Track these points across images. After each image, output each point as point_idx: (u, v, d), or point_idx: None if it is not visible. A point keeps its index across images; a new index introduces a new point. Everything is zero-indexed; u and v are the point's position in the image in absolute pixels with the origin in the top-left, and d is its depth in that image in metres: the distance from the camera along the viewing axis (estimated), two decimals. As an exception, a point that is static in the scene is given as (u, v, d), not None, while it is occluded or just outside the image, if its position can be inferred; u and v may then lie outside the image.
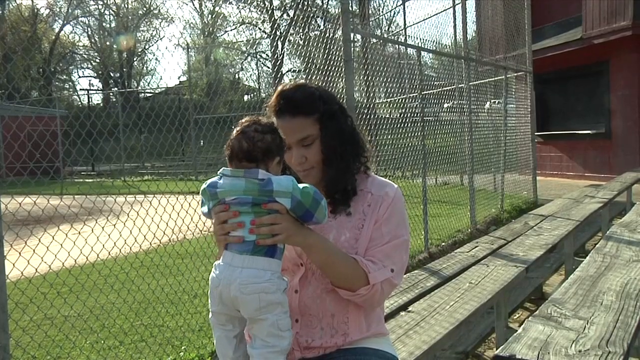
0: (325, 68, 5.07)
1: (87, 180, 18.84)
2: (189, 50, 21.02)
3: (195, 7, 40.03)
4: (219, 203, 1.44)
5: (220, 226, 1.44)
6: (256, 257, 1.40)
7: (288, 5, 29.94)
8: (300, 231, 1.45)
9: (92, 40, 42.61)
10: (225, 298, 1.42)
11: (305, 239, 1.47)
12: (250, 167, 1.42)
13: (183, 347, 3.62)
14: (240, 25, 35.44)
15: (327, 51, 5.19)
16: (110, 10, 41.27)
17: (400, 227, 1.61)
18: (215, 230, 1.46)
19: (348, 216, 1.60)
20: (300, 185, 1.43)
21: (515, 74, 9.52)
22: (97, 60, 42.81)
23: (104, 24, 42.26)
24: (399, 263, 1.58)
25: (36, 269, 3.26)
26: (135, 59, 42.66)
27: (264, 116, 1.59)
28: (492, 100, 9.79)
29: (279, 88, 1.63)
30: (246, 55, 33.28)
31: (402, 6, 9.74)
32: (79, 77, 47.13)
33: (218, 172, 1.46)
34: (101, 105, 35.06)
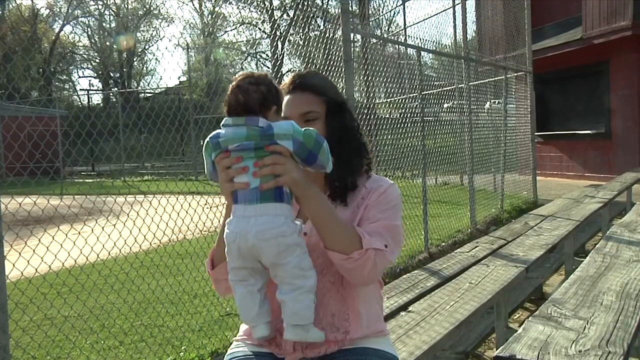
0: (325, 68, 5.06)
1: (87, 180, 18.84)
2: (189, 50, 21.02)
3: (195, 7, 40.05)
4: (222, 151, 1.45)
5: (224, 172, 1.45)
6: (266, 203, 1.41)
7: (288, 6, 29.95)
8: (302, 179, 1.46)
9: (92, 41, 42.66)
10: (244, 250, 1.42)
11: (306, 190, 1.47)
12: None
13: (183, 347, 3.62)
14: (240, 26, 35.45)
15: (327, 51, 5.19)
16: (110, 11, 41.32)
17: (389, 212, 1.60)
18: (221, 179, 1.47)
19: (344, 211, 1.62)
20: (301, 128, 1.45)
21: (515, 74, 9.52)
22: (97, 61, 42.83)
23: (104, 24, 42.31)
24: (392, 242, 1.56)
25: (36, 269, 3.26)
26: (135, 59, 42.68)
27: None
28: (492, 101, 9.79)
29: (295, 72, 1.72)
30: (246, 55, 33.33)
31: (402, 6, 9.75)
32: (79, 77, 47.12)
33: (221, 124, 1.47)
34: (101, 105, 35.07)
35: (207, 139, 1.48)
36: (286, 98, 1.64)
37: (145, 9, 40.46)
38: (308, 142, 1.43)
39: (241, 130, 1.43)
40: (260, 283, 1.49)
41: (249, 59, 34.27)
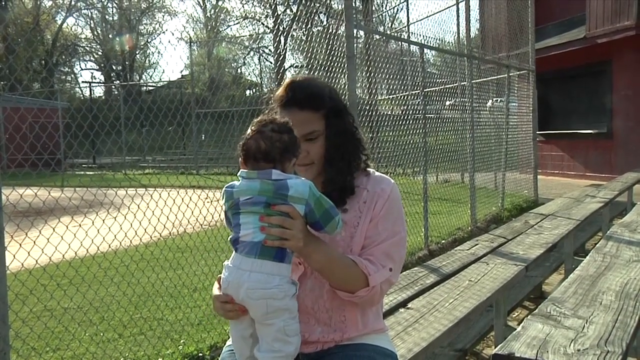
0: (328, 64, 5.05)
1: (88, 172, 18.82)
2: (192, 44, 20.98)
3: (199, 1, 39.98)
4: (234, 202, 1.43)
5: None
6: (264, 260, 1.38)
7: (291, 1, 29.88)
8: (305, 239, 1.43)
9: (95, 33, 42.61)
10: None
11: (306, 247, 1.44)
12: (266, 167, 1.41)
13: (182, 341, 3.63)
14: (243, 20, 35.40)
15: (329, 47, 5.17)
16: (113, 3, 41.25)
17: (396, 224, 1.60)
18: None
19: (344, 214, 1.59)
20: (317, 194, 1.42)
21: (518, 73, 9.49)
22: (100, 53, 42.78)
23: (106, 17, 42.22)
24: (398, 261, 1.58)
25: (36, 261, 3.26)
26: (137, 52, 42.61)
27: (274, 112, 1.58)
28: (494, 99, 9.78)
29: (289, 79, 1.62)
30: (249, 50, 33.25)
31: (405, 3, 9.73)
32: (81, 69, 47.10)
33: (237, 175, 1.46)
34: (103, 98, 35.03)
35: (224, 187, 1.47)
36: (280, 111, 1.57)
37: (148, 2, 40.38)
38: (318, 210, 1.41)
39: (254, 183, 1.40)
40: (252, 329, 1.47)
41: (252, 53, 34.23)
